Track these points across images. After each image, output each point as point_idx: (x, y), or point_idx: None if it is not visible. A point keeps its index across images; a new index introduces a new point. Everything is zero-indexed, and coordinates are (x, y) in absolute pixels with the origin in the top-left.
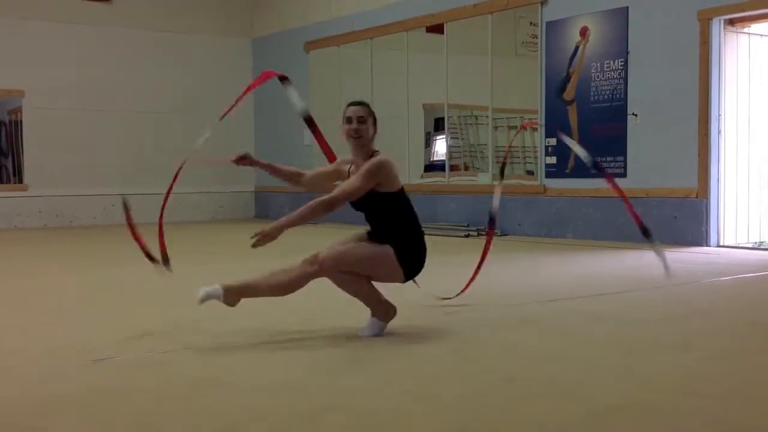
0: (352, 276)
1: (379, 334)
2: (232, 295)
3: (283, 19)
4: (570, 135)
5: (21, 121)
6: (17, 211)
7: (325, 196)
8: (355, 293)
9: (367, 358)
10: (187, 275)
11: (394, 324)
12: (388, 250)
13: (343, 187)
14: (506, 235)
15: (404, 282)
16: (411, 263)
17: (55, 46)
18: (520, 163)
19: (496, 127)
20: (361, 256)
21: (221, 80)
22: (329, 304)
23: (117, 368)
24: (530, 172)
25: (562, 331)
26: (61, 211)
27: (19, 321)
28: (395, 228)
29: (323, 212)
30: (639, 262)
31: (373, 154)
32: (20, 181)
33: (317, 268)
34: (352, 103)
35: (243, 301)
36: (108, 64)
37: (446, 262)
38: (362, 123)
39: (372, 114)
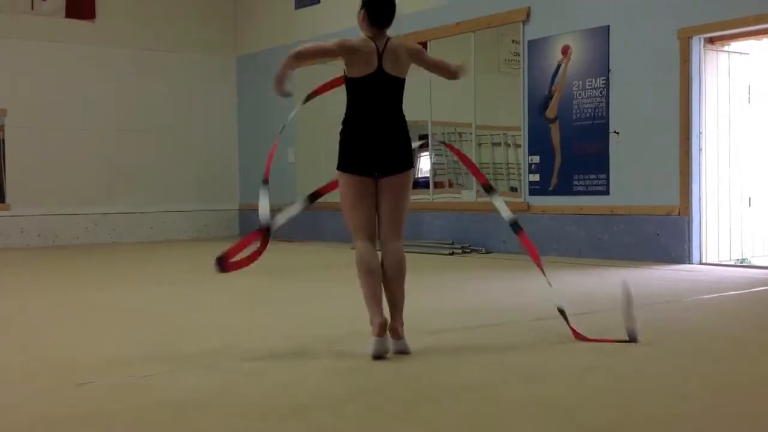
0: None
1: (380, 354)
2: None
3: (267, 37)
4: (552, 153)
5: (3, 140)
6: None
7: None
8: None
9: (362, 383)
10: (172, 297)
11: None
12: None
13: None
14: (490, 252)
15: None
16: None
17: (37, 64)
18: (504, 179)
19: (480, 144)
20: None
21: (205, 98)
22: (323, 330)
23: (100, 392)
24: (514, 189)
25: (549, 350)
26: (44, 230)
27: (12, 341)
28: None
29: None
30: (620, 280)
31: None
32: (2, 200)
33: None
34: None
35: (233, 321)
36: (91, 83)
37: (429, 280)
38: None
39: None
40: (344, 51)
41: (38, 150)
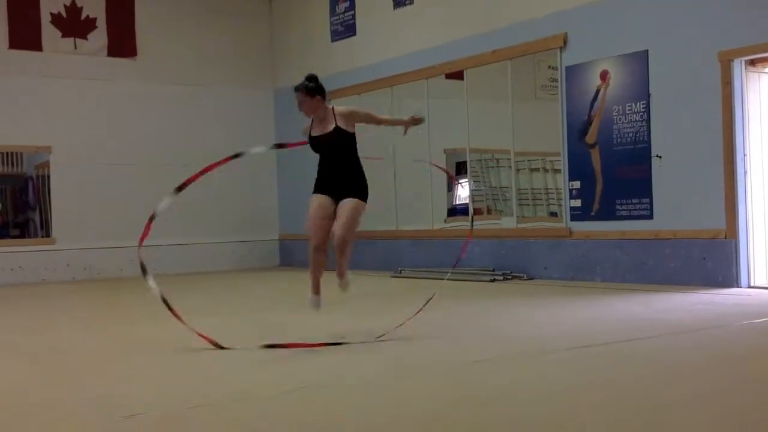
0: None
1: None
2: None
3: (305, 70)
4: (593, 178)
5: (48, 176)
6: (45, 265)
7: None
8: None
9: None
10: (214, 330)
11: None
12: (361, 202)
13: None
14: (532, 279)
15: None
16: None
17: (81, 102)
18: (543, 204)
19: (518, 170)
20: (357, 216)
21: (245, 131)
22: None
23: (147, 425)
24: (554, 214)
25: (592, 380)
26: (89, 263)
27: (52, 376)
28: (358, 166)
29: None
30: (668, 305)
31: (332, 107)
32: (47, 234)
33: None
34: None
35: (277, 357)
36: (133, 118)
37: (471, 308)
38: (304, 103)
39: (310, 90)
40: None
41: (82, 185)
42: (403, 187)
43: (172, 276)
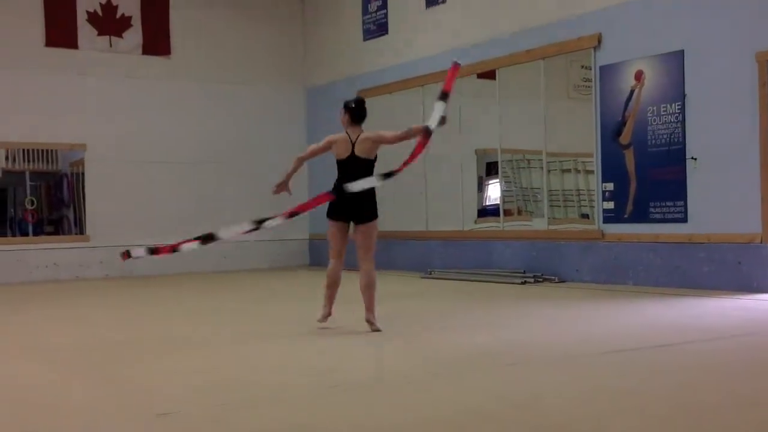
0: None
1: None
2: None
3: (336, 69)
4: (627, 179)
5: (83, 173)
6: (79, 262)
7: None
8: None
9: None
10: (245, 330)
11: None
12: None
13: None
14: (564, 281)
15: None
16: None
17: (115, 100)
18: (574, 206)
19: (549, 171)
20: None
21: (276, 129)
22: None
23: (180, 423)
24: (585, 216)
25: (623, 385)
26: (122, 261)
27: (87, 374)
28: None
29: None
30: (702, 310)
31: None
32: (82, 232)
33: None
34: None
35: (311, 354)
36: (167, 117)
37: (503, 311)
38: None
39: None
40: (329, 145)
41: (116, 183)
42: (430, 186)
43: (204, 274)
